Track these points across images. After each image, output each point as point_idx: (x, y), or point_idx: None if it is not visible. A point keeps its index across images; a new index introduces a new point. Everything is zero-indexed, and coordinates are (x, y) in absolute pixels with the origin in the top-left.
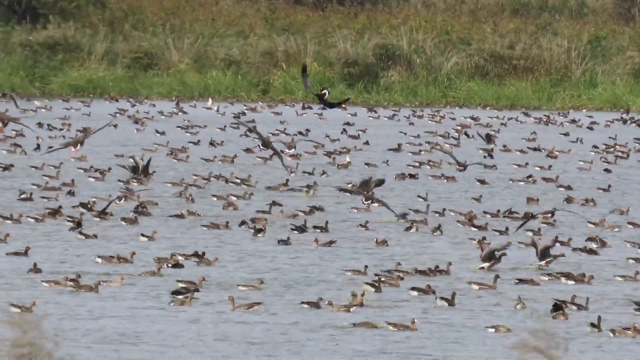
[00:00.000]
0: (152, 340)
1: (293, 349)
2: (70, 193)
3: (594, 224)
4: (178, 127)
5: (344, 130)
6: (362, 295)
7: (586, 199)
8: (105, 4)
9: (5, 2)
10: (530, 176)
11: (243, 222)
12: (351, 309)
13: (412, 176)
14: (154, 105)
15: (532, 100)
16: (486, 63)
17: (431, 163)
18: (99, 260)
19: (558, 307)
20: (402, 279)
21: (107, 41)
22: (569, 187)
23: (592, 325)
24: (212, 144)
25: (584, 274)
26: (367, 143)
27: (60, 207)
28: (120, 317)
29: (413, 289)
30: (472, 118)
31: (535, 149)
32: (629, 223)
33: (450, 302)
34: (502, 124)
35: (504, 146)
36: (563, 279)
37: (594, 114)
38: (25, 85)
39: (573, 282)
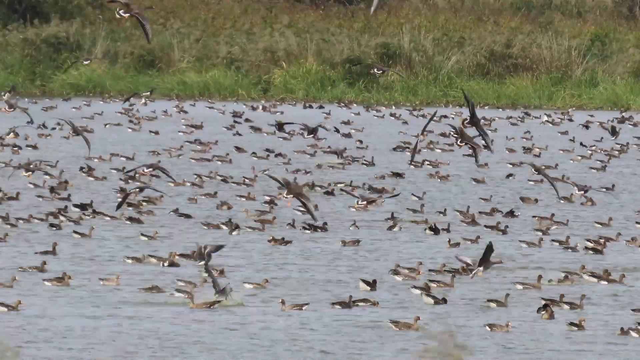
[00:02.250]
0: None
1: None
2: (54, 191)
3: (601, 224)
4: (185, 126)
5: (336, 129)
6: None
7: (586, 197)
8: (105, 3)
9: (6, 1)
10: (510, 175)
11: (229, 221)
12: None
13: (398, 175)
14: (145, 105)
15: (533, 99)
16: (487, 62)
17: (427, 162)
18: (129, 261)
19: (546, 306)
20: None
21: (108, 40)
22: (584, 189)
23: (572, 324)
24: (202, 143)
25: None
26: (360, 142)
27: (66, 207)
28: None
29: (415, 287)
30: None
31: (525, 148)
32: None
33: (437, 300)
34: (512, 123)
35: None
36: (595, 279)
37: (594, 113)
38: (26, 84)
39: (605, 282)
